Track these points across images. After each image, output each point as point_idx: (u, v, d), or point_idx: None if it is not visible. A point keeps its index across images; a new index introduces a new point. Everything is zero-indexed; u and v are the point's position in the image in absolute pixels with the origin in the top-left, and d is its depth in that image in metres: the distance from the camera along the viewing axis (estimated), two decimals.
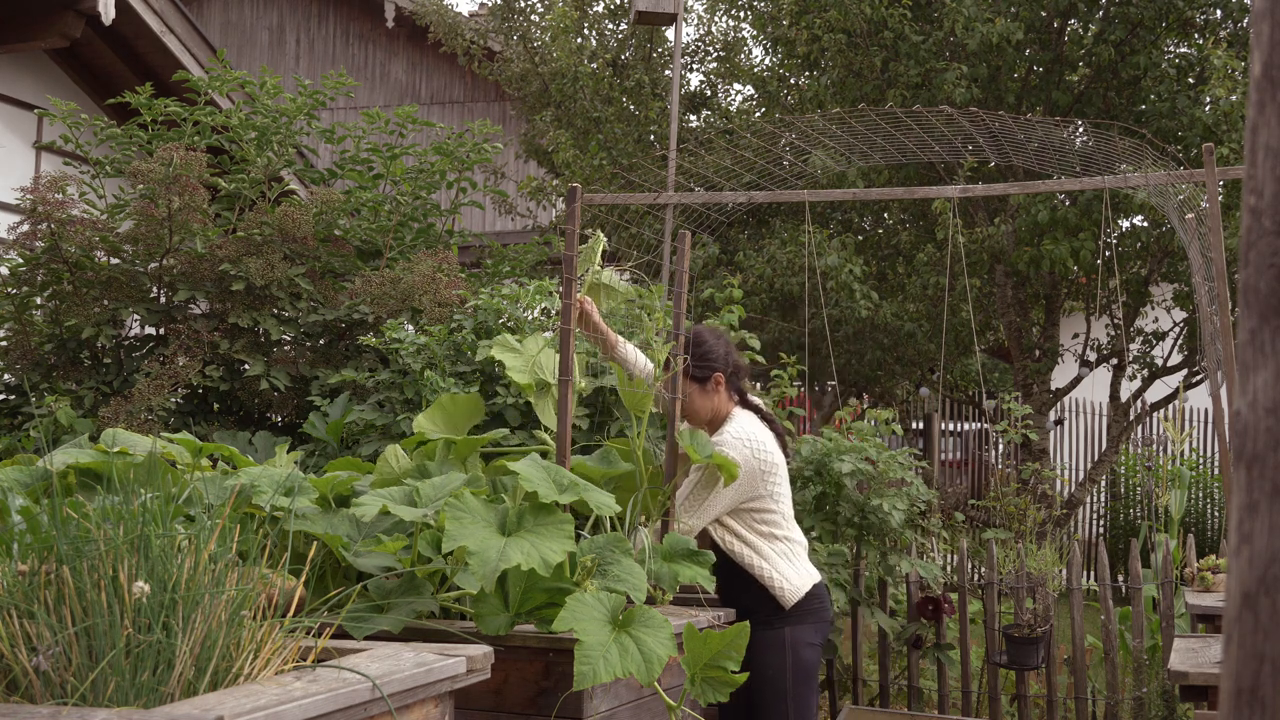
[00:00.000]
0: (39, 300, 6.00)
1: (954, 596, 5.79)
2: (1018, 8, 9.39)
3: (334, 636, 2.43)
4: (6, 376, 5.92)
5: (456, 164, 6.71)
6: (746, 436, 3.62)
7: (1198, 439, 13.16)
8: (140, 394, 5.18)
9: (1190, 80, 9.45)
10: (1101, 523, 12.71)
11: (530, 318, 5.11)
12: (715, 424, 3.75)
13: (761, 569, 3.62)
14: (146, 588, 1.91)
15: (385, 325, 5.21)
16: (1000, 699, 5.84)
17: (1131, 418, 10.94)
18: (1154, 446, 11.83)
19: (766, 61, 11.70)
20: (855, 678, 5.93)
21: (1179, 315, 10.51)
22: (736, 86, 12.59)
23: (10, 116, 8.95)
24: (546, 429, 3.79)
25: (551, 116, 11.52)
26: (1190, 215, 5.59)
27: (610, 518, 3.34)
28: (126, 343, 5.93)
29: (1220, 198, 6.41)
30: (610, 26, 12.13)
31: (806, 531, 5.05)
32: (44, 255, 5.82)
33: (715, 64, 12.48)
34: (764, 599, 3.62)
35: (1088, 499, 12.28)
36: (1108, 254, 9.34)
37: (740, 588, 3.63)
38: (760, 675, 3.54)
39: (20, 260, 5.90)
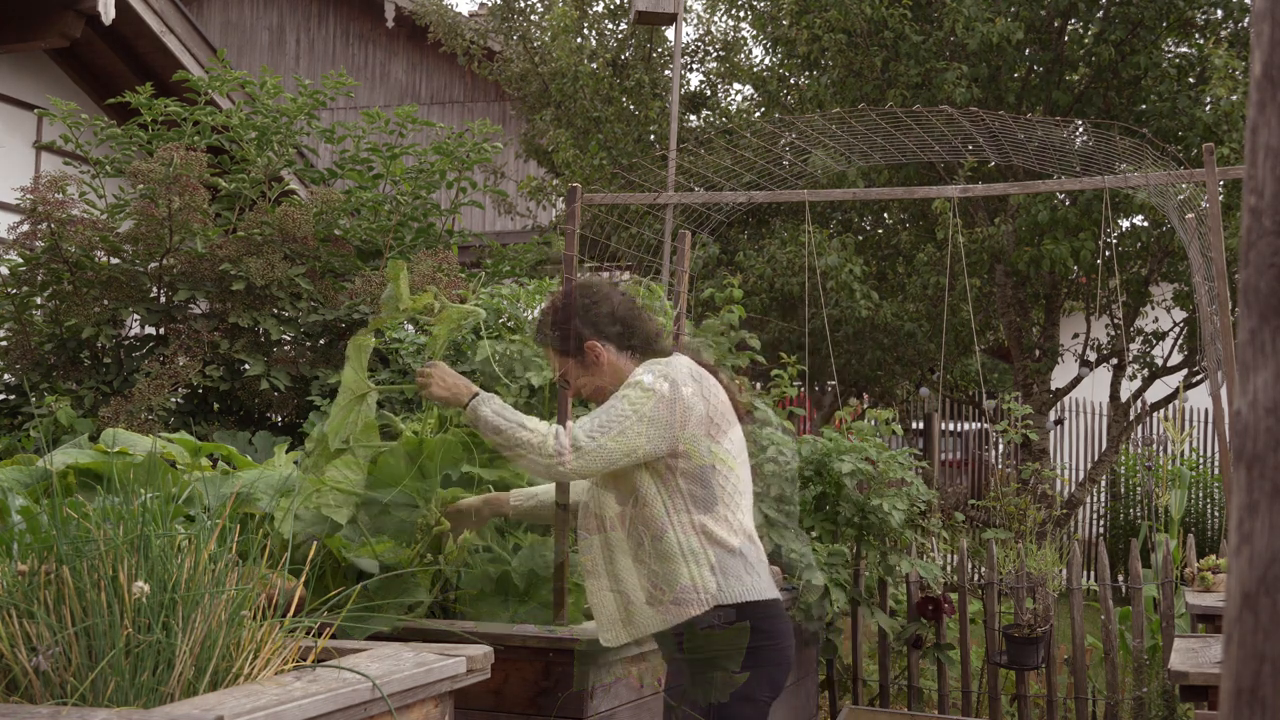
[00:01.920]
0: (39, 300, 6.00)
1: (954, 596, 5.79)
2: (1018, 8, 9.38)
3: (334, 637, 2.43)
4: (6, 376, 5.92)
5: (456, 164, 6.71)
6: (659, 370, 2.80)
7: (1198, 439, 13.14)
8: (140, 394, 5.18)
9: (1190, 80, 9.45)
10: (1101, 523, 12.70)
11: (530, 317, 5.11)
12: None
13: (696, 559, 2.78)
14: (146, 588, 1.91)
15: (385, 325, 5.20)
16: (1000, 699, 5.84)
17: (1131, 418, 10.93)
18: (1154, 446, 11.81)
19: (766, 61, 11.70)
20: (855, 678, 5.93)
21: (1179, 315, 10.51)
22: (736, 86, 12.59)
23: (10, 116, 8.94)
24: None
25: (551, 116, 11.51)
26: (1190, 215, 5.59)
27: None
28: (126, 343, 5.93)
29: (1220, 198, 6.41)
30: (610, 26, 12.12)
31: (806, 531, 5.04)
32: (44, 255, 5.82)
33: (715, 64, 12.48)
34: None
35: (1088, 499, 12.27)
36: (1108, 254, 9.34)
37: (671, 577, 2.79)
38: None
39: (20, 260, 5.90)
